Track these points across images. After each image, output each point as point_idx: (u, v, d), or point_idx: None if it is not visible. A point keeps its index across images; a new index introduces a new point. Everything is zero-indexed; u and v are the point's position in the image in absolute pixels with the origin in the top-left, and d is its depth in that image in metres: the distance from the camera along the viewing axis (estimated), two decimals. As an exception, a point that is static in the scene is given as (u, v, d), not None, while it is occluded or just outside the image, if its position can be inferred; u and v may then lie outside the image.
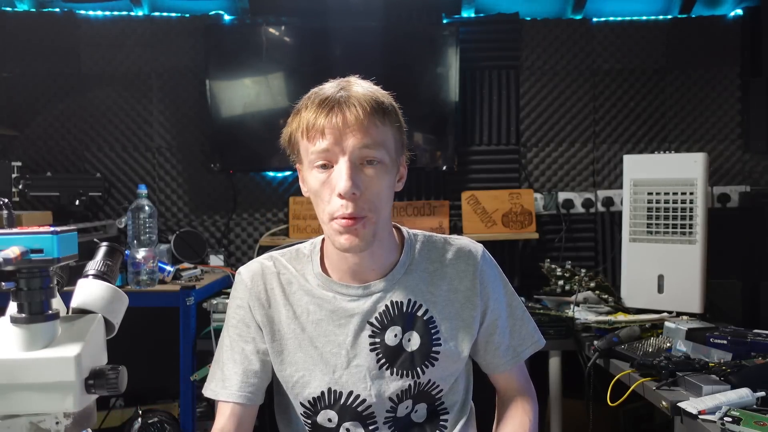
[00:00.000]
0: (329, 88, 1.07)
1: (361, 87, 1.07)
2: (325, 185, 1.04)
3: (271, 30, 2.81)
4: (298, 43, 2.84)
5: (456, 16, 2.93)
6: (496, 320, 1.19)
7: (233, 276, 1.22)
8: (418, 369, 1.13)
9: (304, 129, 1.05)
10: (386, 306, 1.13)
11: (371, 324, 1.13)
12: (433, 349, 1.14)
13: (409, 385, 1.13)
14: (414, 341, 1.14)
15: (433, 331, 1.14)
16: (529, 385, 1.26)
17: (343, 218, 1.03)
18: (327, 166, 1.04)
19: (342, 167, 1.02)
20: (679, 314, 2.31)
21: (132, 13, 2.93)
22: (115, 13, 2.92)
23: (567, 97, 2.98)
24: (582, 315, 2.31)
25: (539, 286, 2.74)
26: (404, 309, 1.14)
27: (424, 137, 2.84)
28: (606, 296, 2.52)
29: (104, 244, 0.85)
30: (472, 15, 2.96)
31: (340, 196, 1.02)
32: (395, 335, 1.13)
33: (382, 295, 1.14)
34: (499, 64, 2.95)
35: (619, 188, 2.73)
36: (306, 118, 1.05)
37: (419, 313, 1.14)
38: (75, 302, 0.78)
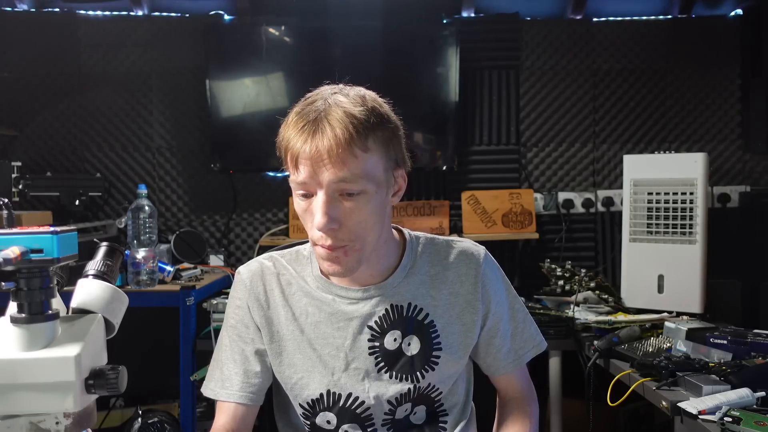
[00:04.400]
0: (315, 104, 0.99)
1: (344, 109, 0.97)
2: (307, 213, 1.02)
3: (271, 30, 2.81)
4: (298, 43, 2.84)
5: (456, 16, 2.93)
6: (497, 324, 1.18)
7: (233, 276, 1.22)
8: (418, 373, 1.13)
9: (285, 151, 1.01)
10: (386, 310, 1.13)
11: (371, 328, 1.12)
12: (433, 353, 1.13)
13: (409, 389, 1.13)
14: (414, 345, 1.13)
15: (433, 335, 1.14)
16: (530, 387, 1.25)
17: (323, 247, 1.02)
18: (307, 195, 1.01)
19: (318, 201, 0.98)
20: (679, 314, 2.31)
21: (132, 13, 2.93)
22: (115, 13, 2.92)
23: (567, 97, 2.98)
24: (582, 315, 2.31)
25: (539, 286, 2.74)
26: (404, 313, 1.13)
27: (424, 137, 2.84)
28: (606, 296, 2.52)
29: (104, 244, 0.85)
30: (472, 15, 2.96)
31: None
32: (395, 339, 1.12)
33: (381, 298, 1.13)
34: (499, 64, 2.95)
35: (619, 188, 2.73)
36: (286, 139, 1.00)
37: (419, 317, 1.14)
38: (75, 302, 0.78)
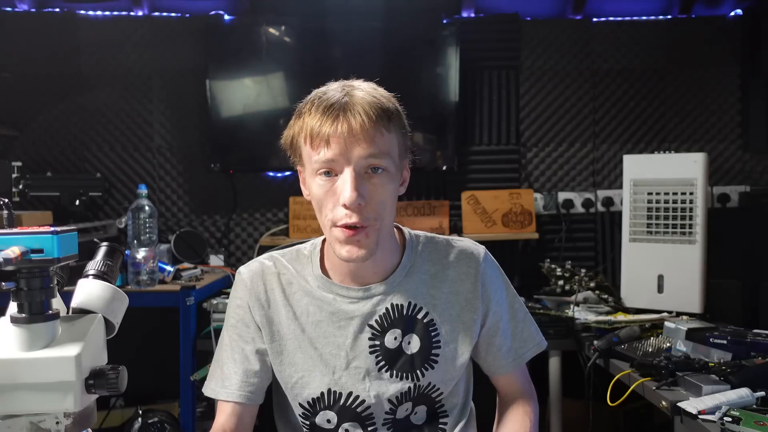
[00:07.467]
0: (333, 92, 1.04)
1: (365, 92, 1.04)
2: (329, 193, 1.03)
3: (271, 30, 2.81)
4: (299, 43, 2.84)
5: (456, 16, 2.93)
6: (497, 323, 1.19)
7: (233, 276, 1.22)
8: (418, 372, 1.13)
9: (308, 135, 1.03)
10: (386, 309, 1.13)
11: (371, 326, 1.13)
12: (433, 351, 1.14)
13: (409, 387, 1.13)
14: (414, 344, 1.14)
15: (433, 333, 1.14)
16: (530, 386, 1.25)
17: (346, 227, 1.02)
18: (331, 174, 1.03)
19: (347, 177, 1.01)
20: (679, 314, 2.30)
21: (132, 13, 2.93)
22: (115, 13, 2.92)
23: (567, 97, 2.98)
24: (582, 315, 2.31)
25: (539, 286, 2.74)
26: (404, 312, 1.14)
27: (424, 137, 2.84)
28: (606, 296, 2.52)
29: (104, 244, 0.85)
30: (472, 15, 2.96)
31: (345, 206, 1.01)
32: (395, 338, 1.13)
33: (382, 297, 1.13)
34: (499, 64, 2.95)
35: (619, 188, 2.72)
36: (309, 124, 1.03)
37: (419, 316, 1.14)
38: (75, 302, 0.78)
